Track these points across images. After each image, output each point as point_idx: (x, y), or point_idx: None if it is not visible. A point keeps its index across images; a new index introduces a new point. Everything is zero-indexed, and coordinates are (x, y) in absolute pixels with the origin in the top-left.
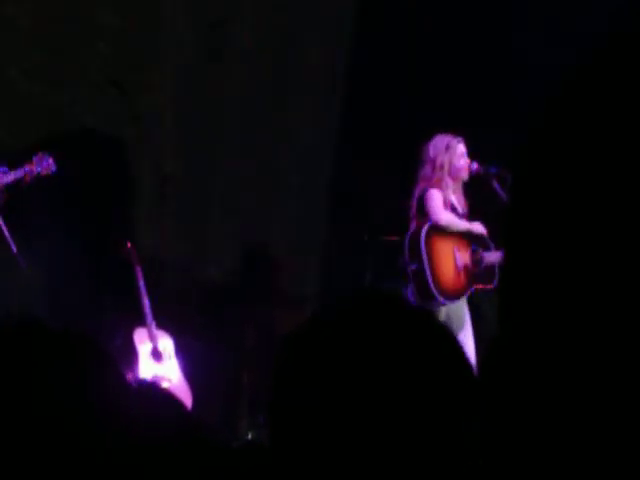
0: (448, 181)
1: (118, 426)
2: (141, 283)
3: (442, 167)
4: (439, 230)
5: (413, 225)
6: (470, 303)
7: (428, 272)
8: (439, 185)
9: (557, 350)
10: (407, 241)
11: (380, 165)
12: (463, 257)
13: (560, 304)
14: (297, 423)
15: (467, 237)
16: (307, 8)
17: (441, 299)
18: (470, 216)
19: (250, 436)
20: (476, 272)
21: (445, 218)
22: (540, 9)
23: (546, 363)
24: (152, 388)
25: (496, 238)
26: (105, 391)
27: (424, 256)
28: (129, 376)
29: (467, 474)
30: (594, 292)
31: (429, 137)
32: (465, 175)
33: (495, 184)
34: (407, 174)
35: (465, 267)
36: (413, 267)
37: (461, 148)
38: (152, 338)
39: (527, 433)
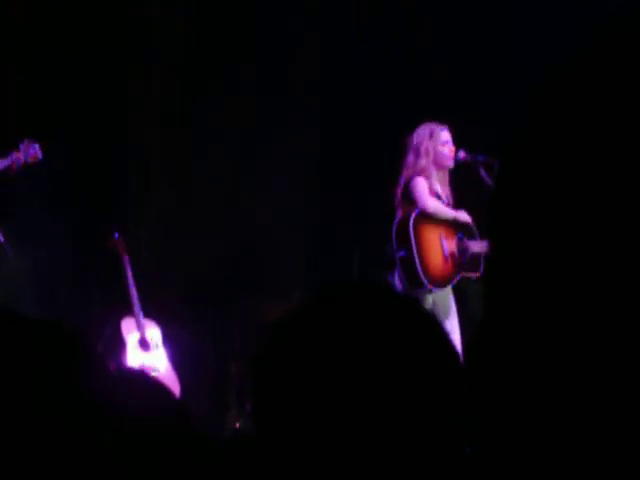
0: (432, 169)
1: (105, 416)
2: (129, 273)
3: (427, 154)
4: (426, 217)
5: (399, 213)
6: (455, 291)
7: (417, 259)
8: (423, 173)
9: (543, 338)
10: (395, 228)
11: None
12: (450, 245)
13: (546, 292)
14: (281, 409)
15: (453, 225)
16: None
17: (429, 286)
18: (455, 205)
19: (238, 425)
20: (462, 260)
21: (432, 205)
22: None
23: (532, 351)
24: (140, 377)
25: (481, 227)
26: (91, 381)
27: (413, 243)
28: (114, 366)
29: (453, 463)
30: (579, 282)
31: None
32: (450, 162)
33: (482, 172)
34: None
35: (452, 255)
36: (401, 254)
37: (445, 135)
38: (140, 328)
39: (513, 421)
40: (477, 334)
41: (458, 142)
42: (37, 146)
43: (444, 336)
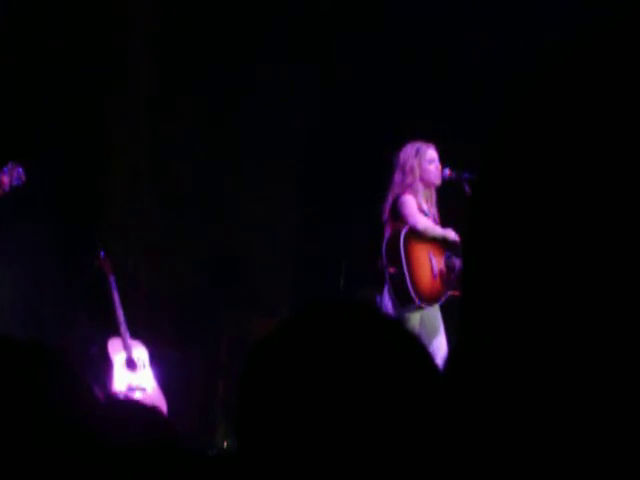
0: (419, 187)
1: (87, 439)
2: (115, 293)
3: (412, 172)
4: (416, 235)
5: (387, 230)
6: (443, 307)
7: (407, 276)
8: (410, 191)
9: (519, 354)
10: (385, 245)
11: (354, 174)
12: (438, 263)
13: (519, 308)
14: (264, 430)
15: (441, 243)
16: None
17: (420, 303)
18: (442, 224)
19: (226, 444)
20: (450, 278)
21: (422, 223)
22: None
23: (508, 366)
24: (124, 401)
25: None
26: (72, 405)
27: (403, 260)
28: (98, 390)
29: None
30: (554, 296)
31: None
32: (436, 180)
33: (468, 190)
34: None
35: (440, 272)
36: (391, 271)
37: (431, 153)
38: (126, 347)
39: (493, 439)
40: (453, 351)
41: (445, 158)
42: (21, 169)
43: (427, 356)
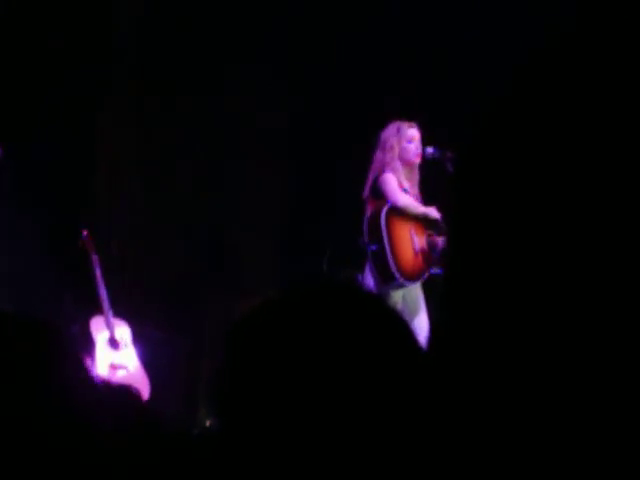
0: (398, 165)
1: (75, 416)
2: (98, 272)
3: (392, 150)
4: (397, 212)
5: (368, 208)
6: (425, 286)
7: (388, 252)
8: (391, 168)
9: (498, 335)
10: (366, 222)
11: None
12: (420, 240)
13: (500, 291)
14: (246, 408)
15: (423, 221)
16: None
17: (401, 280)
18: (424, 203)
19: (208, 423)
20: (432, 256)
21: (403, 200)
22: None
23: (487, 344)
24: (106, 383)
25: None
26: (65, 379)
27: (384, 237)
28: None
29: (415, 463)
30: (535, 281)
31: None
32: (415, 159)
33: (450, 169)
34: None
35: (422, 250)
36: (373, 248)
37: (412, 132)
38: (109, 326)
39: (473, 420)
40: (433, 331)
41: (431, 141)
42: None
43: (409, 333)
